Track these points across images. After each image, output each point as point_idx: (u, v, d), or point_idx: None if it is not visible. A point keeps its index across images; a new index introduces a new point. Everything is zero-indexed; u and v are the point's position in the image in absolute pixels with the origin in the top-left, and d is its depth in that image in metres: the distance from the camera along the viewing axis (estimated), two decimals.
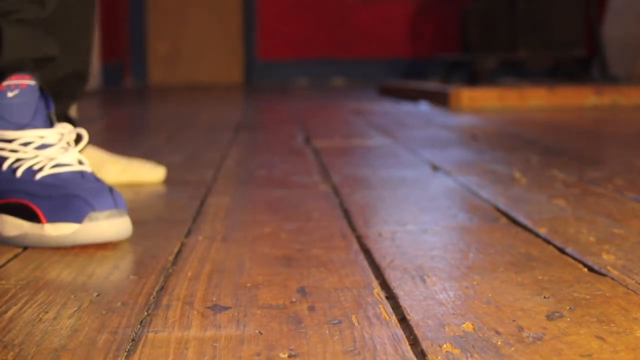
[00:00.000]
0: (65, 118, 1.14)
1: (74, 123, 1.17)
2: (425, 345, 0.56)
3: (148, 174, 1.30)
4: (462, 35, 4.13)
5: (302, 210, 1.07)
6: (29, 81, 0.92)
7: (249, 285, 0.71)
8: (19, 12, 0.96)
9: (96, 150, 1.28)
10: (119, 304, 0.66)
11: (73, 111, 1.27)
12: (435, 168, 1.46)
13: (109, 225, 0.86)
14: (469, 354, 0.54)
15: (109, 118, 3.24)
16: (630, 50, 4.21)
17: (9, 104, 0.91)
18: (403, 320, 0.61)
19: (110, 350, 0.55)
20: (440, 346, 0.55)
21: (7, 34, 0.96)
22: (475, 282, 0.71)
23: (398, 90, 4.19)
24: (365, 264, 0.78)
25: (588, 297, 0.66)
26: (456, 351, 0.54)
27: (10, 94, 0.91)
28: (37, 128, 0.92)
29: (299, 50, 6.71)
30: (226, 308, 0.65)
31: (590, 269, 0.75)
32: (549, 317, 0.61)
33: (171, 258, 0.81)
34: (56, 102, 1.10)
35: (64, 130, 0.93)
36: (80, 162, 0.93)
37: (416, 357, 0.54)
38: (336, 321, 0.61)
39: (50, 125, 0.94)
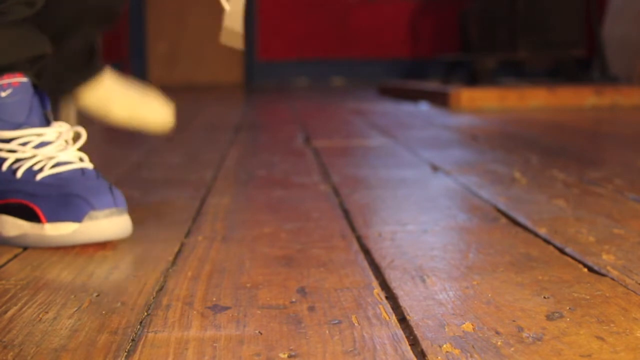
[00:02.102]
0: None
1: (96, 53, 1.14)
2: (425, 345, 0.56)
3: (154, 117, 1.27)
4: (462, 35, 4.13)
5: (302, 210, 1.07)
6: (20, 78, 0.92)
7: (249, 285, 0.71)
8: (7, 15, 0.94)
9: (109, 84, 1.23)
10: (118, 304, 0.66)
11: (72, 112, 1.26)
12: (435, 168, 1.46)
13: (109, 224, 0.86)
14: (469, 354, 0.54)
15: None
16: (630, 50, 4.21)
17: (3, 104, 0.90)
18: (403, 320, 0.61)
19: (110, 350, 0.55)
20: (440, 346, 0.55)
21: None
22: (475, 282, 0.71)
23: (398, 90, 4.19)
24: (365, 264, 0.78)
25: (588, 297, 0.66)
26: (456, 351, 0.54)
27: (3, 94, 0.90)
28: (34, 126, 0.91)
29: (299, 50, 6.71)
30: (226, 308, 0.64)
31: (590, 269, 0.75)
32: (549, 317, 0.61)
33: (171, 258, 0.81)
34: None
35: (62, 129, 0.93)
36: (80, 159, 0.93)
37: (416, 357, 0.54)
38: (336, 321, 0.61)
39: (47, 123, 0.93)
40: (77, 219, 0.85)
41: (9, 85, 0.91)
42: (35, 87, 0.94)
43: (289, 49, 6.71)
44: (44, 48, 0.99)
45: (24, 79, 0.92)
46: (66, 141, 0.93)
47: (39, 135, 0.91)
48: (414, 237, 0.90)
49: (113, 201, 0.87)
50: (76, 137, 1.01)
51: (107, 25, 1.21)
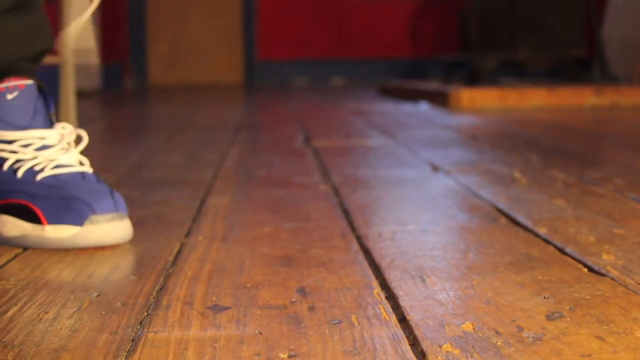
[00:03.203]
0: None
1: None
2: (425, 345, 0.56)
3: None
4: (462, 35, 4.13)
5: (302, 210, 1.07)
6: (26, 81, 0.92)
7: (249, 285, 0.71)
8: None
9: None
10: (119, 304, 0.66)
11: (72, 113, 1.25)
12: (435, 168, 1.46)
13: (109, 229, 0.86)
14: (469, 354, 0.54)
15: (109, 118, 3.24)
16: (630, 50, 4.21)
17: (9, 106, 0.90)
18: (403, 320, 0.61)
19: (110, 350, 0.55)
20: (440, 346, 0.55)
21: None
22: (475, 282, 0.71)
23: (398, 90, 4.19)
24: (365, 264, 0.78)
25: (588, 297, 0.66)
26: (456, 351, 0.54)
27: (9, 96, 0.91)
28: (37, 128, 0.92)
29: (299, 50, 6.71)
30: (226, 308, 0.65)
31: (590, 269, 0.75)
32: (549, 317, 0.61)
33: (171, 258, 0.81)
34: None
35: (64, 131, 0.93)
36: (81, 163, 0.93)
37: (416, 357, 0.54)
38: (336, 321, 0.61)
39: (50, 125, 0.94)
40: (78, 222, 0.85)
41: (15, 87, 0.91)
42: (39, 88, 0.94)
43: (289, 48, 6.71)
44: (46, 43, 0.98)
45: (29, 82, 0.92)
46: (68, 144, 0.93)
47: (41, 138, 0.91)
48: (414, 237, 0.90)
49: (114, 206, 0.87)
50: (78, 140, 1.01)
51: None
